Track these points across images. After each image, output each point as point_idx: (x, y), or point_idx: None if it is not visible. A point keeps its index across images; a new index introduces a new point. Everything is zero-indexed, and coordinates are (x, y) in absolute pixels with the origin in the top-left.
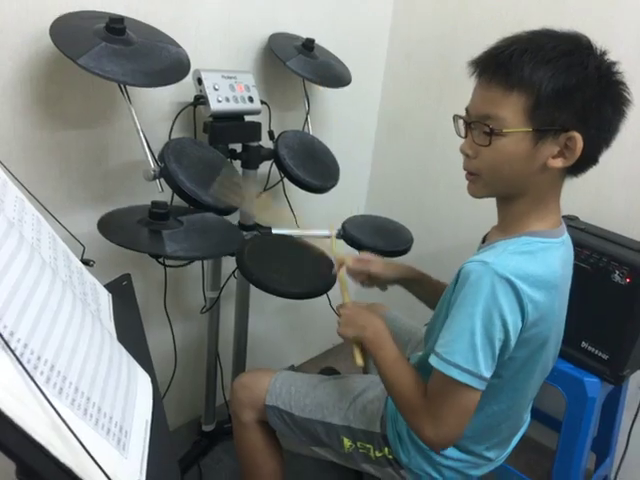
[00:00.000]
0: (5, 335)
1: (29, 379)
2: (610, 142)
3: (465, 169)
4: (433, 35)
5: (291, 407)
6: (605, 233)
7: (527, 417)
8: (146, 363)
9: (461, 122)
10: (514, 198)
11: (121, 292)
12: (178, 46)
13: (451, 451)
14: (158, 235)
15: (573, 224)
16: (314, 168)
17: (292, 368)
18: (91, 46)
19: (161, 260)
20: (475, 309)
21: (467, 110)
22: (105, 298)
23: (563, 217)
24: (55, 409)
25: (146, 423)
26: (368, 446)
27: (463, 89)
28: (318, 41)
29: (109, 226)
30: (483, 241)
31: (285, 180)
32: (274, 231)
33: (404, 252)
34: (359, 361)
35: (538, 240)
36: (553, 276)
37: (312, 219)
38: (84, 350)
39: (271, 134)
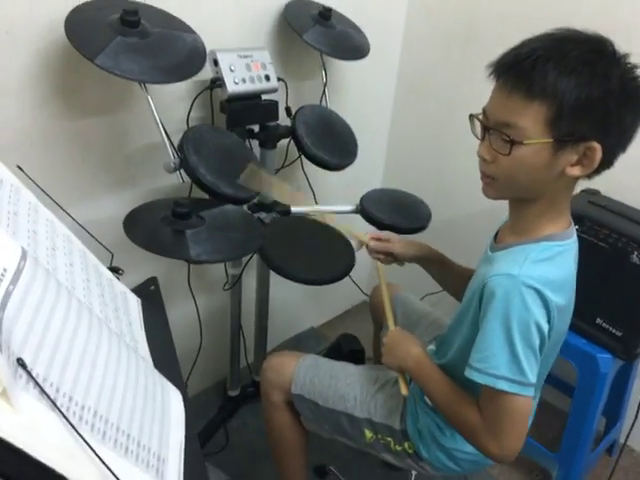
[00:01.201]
0: (52, 393)
1: (77, 435)
2: (627, 147)
3: (481, 171)
4: None
5: (315, 396)
6: (626, 210)
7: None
8: (175, 374)
9: (477, 123)
10: (528, 201)
11: (149, 298)
12: (193, 32)
13: (470, 447)
14: (181, 235)
15: (594, 200)
16: (332, 145)
17: (312, 330)
18: (107, 42)
19: None
20: (510, 322)
21: (484, 111)
22: (135, 305)
23: (583, 191)
24: (102, 460)
25: (180, 444)
26: (388, 439)
27: (486, 48)
28: (334, 4)
29: (134, 226)
30: (495, 237)
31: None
32: (293, 209)
33: (422, 229)
34: (404, 391)
35: (555, 244)
36: (570, 277)
37: (330, 193)
38: (122, 387)
39: (288, 110)
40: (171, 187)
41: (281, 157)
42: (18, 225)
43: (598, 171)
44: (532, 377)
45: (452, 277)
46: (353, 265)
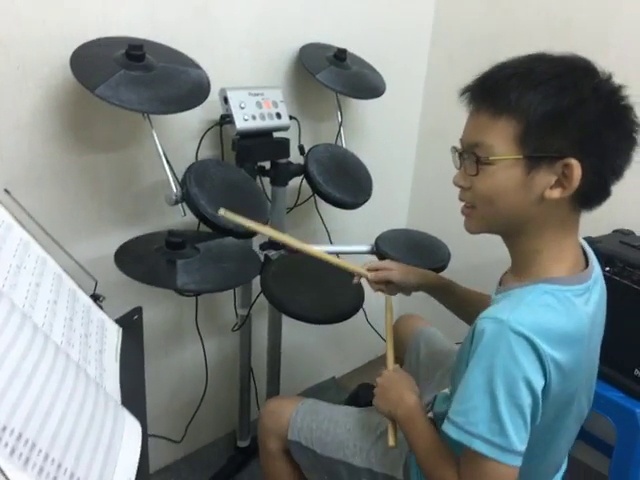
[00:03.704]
0: None
1: None
2: (620, 172)
3: (460, 201)
4: (478, 35)
5: (313, 444)
6: None
7: (563, 464)
8: (139, 407)
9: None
10: (517, 235)
11: (131, 327)
12: (199, 68)
13: None
14: (172, 265)
15: (627, 240)
16: (345, 183)
17: (333, 380)
18: (110, 75)
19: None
20: (494, 373)
21: (461, 141)
22: (114, 335)
23: (615, 231)
24: None
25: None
26: None
27: None
28: (353, 49)
29: (126, 256)
30: (500, 283)
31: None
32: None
33: (440, 270)
34: (391, 441)
35: (557, 288)
36: (577, 329)
37: (348, 234)
38: (60, 412)
39: (301, 149)
40: (181, 223)
41: (295, 196)
42: None
43: (595, 199)
44: (518, 442)
45: (462, 303)
46: (361, 304)
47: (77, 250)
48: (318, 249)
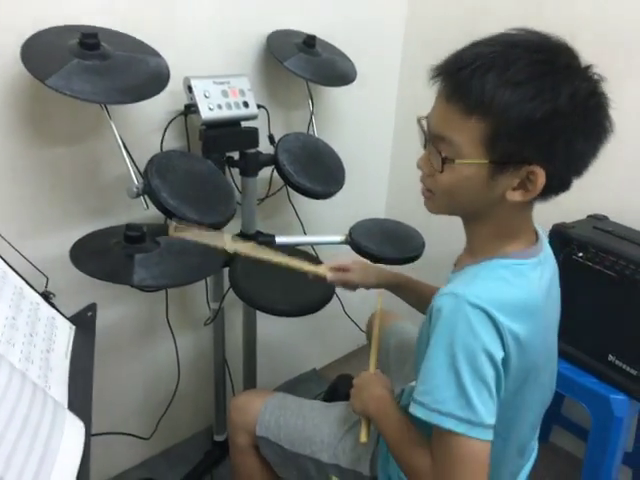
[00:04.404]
0: None
1: None
2: (582, 171)
3: (421, 182)
4: (452, 18)
5: (281, 440)
6: (635, 235)
7: (532, 452)
8: (84, 406)
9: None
10: (475, 220)
11: (84, 324)
12: (158, 56)
13: None
14: (130, 260)
15: (600, 225)
16: (317, 173)
17: (314, 372)
18: (62, 64)
19: None
20: (454, 348)
21: (428, 119)
22: (66, 332)
23: (590, 216)
24: None
25: None
26: None
27: None
28: (324, 36)
29: (82, 251)
30: (455, 265)
31: None
32: (278, 240)
33: (413, 259)
34: (363, 438)
35: (511, 262)
36: (532, 301)
37: (324, 225)
38: None
39: (271, 138)
40: (148, 217)
41: (266, 187)
42: None
43: (554, 193)
44: (486, 415)
45: (422, 300)
46: (331, 295)
47: (41, 246)
48: (272, 255)
